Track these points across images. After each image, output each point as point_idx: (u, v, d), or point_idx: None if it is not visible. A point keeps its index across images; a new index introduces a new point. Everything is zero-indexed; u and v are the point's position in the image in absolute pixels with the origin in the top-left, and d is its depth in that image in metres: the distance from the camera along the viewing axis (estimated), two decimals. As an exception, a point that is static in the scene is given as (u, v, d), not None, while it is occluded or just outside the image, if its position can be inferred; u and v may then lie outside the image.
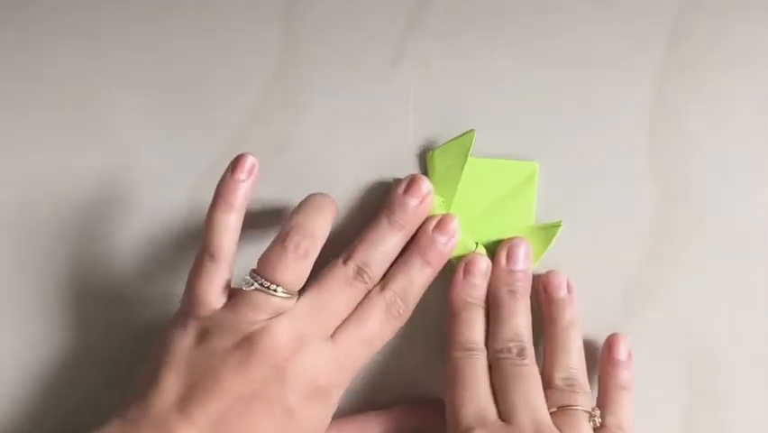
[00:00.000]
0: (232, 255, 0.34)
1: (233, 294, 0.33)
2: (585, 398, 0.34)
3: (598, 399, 0.36)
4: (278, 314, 0.33)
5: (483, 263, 0.37)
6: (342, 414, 0.36)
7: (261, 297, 0.32)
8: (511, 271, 0.37)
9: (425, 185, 0.36)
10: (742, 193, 0.39)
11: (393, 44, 0.40)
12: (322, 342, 0.33)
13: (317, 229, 0.34)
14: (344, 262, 0.35)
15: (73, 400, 0.38)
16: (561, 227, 0.38)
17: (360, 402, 0.38)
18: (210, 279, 0.33)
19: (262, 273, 0.33)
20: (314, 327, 0.33)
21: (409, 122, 0.40)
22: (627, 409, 0.35)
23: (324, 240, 0.34)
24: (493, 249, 0.38)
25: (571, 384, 0.34)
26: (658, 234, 0.39)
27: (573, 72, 0.40)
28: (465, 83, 0.40)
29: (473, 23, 0.40)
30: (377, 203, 0.38)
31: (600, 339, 0.38)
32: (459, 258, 0.37)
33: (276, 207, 0.39)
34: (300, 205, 0.35)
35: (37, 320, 0.39)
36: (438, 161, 0.38)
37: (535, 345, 0.36)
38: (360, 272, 0.34)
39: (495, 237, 0.38)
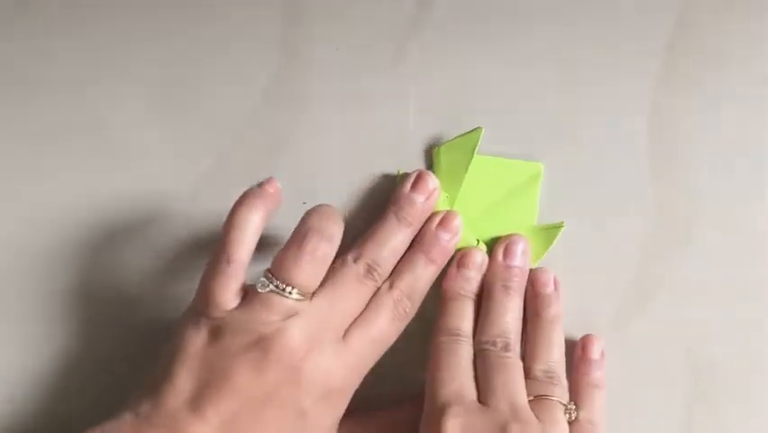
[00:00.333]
0: (249, 257, 0.34)
1: (247, 294, 0.33)
2: (563, 391, 0.35)
3: (570, 395, 0.36)
4: (291, 315, 0.32)
5: (479, 257, 0.37)
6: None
7: (276, 298, 0.32)
8: (507, 267, 0.37)
9: (432, 181, 0.36)
10: (742, 193, 0.39)
11: (393, 44, 0.40)
12: (335, 343, 0.33)
13: (334, 234, 0.34)
14: (355, 261, 0.35)
15: (76, 401, 0.38)
16: (563, 228, 0.38)
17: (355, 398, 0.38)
18: (226, 281, 0.33)
19: (278, 275, 0.33)
20: (327, 328, 0.33)
21: (409, 122, 0.40)
22: (600, 406, 0.35)
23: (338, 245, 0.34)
24: (493, 246, 0.38)
25: (550, 376, 0.35)
26: (658, 234, 0.39)
27: (573, 72, 0.40)
28: (465, 84, 0.40)
29: (473, 24, 0.40)
30: (377, 203, 0.38)
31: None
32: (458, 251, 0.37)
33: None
34: (312, 210, 0.34)
35: (39, 321, 0.39)
36: (444, 157, 0.38)
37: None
38: (370, 271, 0.34)
39: (496, 235, 0.38)
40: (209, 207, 0.39)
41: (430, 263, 0.36)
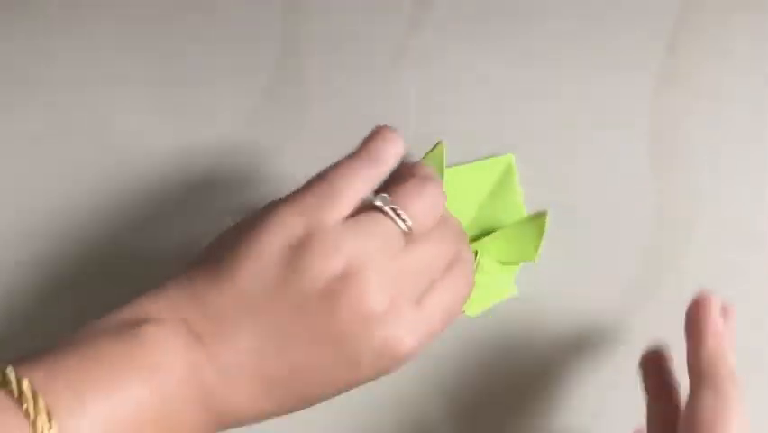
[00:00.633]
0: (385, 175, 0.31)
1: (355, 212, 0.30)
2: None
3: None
4: (391, 246, 0.29)
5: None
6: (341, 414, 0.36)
7: (386, 223, 0.30)
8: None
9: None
10: (742, 193, 0.39)
11: (393, 44, 0.40)
12: (412, 307, 0.30)
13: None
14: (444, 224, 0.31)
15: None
16: (546, 215, 0.37)
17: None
18: (362, 185, 0.30)
19: (396, 200, 0.30)
20: (409, 287, 0.30)
21: (410, 122, 0.40)
22: None
23: None
24: (493, 253, 0.38)
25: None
26: (658, 234, 0.39)
27: (573, 72, 0.40)
28: (466, 83, 0.40)
29: (473, 25, 0.40)
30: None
31: (599, 339, 0.38)
32: None
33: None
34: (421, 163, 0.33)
35: (39, 321, 0.39)
36: None
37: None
38: (458, 235, 0.32)
39: (491, 239, 0.38)
40: (209, 207, 0.39)
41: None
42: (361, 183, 0.30)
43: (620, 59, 0.40)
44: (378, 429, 0.38)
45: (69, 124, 0.40)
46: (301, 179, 0.39)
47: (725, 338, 0.32)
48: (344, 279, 0.28)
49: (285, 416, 0.30)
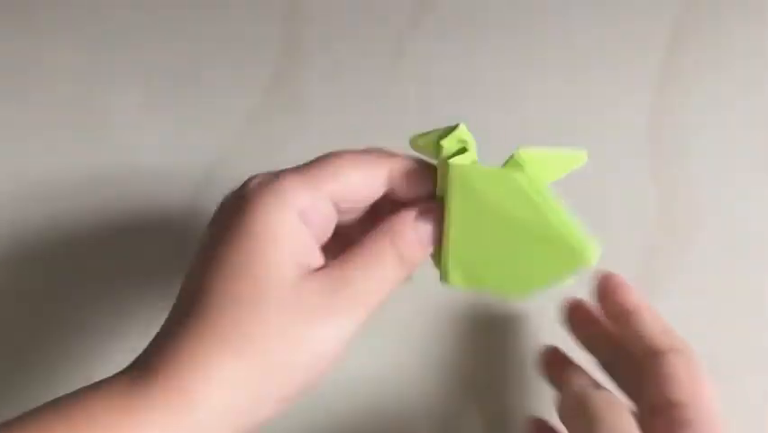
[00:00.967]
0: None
1: None
2: None
3: None
4: None
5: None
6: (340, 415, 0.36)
7: None
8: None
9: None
10: (742, 193, 0.39)
11: (393, 44, 0.40)
12: None
13: None
14: None
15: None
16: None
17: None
18: None
19: None
20: None
21: (409, 122, 0.40)
22: None
23: None
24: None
25: None
26: (658, 234, 0.39)
27: (574, 72, 0.40)
28: (465, 83, 0.40)
29: (473, 24, 0.40)
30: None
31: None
32: None
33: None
34: None
35: (38, 321, 0.39)
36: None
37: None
38: None
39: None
40: (209, 207, 0.39)
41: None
42: None
43: (620, 60, 0.40)
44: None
45: (69, 124, 0.40)
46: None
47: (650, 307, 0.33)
48: None
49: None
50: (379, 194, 0.29)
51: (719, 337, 0.38)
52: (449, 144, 0.30)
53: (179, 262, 0.39)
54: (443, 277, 0.30)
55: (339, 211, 0.29)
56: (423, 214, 0.29)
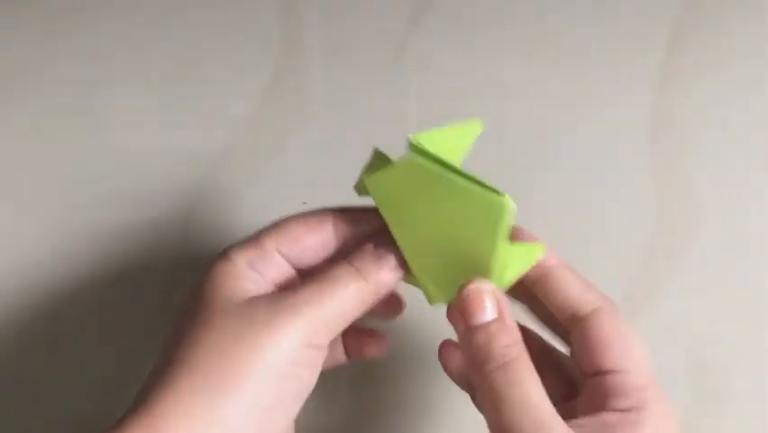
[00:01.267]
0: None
1: None
2: None
3: None
4: None
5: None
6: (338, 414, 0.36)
7: None
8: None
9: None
10: (742, 193, 0.39)
11: (393, 44, 0.40)
12: None
13: None
14: None
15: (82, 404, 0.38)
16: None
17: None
18: None
19: None
20: None
21: (409, 121, 0.40)
22: None
23: None
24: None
25: None
26: (658, 234, 0.39)
27: (574, 72, 0.40)
28: (466, 82, 0.40)
29: (474, 23, 0.40)
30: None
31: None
32: None
33: (275, 207, 0.39)
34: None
35: (37, 321, 0.39)
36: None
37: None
38: None
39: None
40: (209, 207, 0.39)
41: None
42: None
43: (620, 60, 0.40)
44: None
45: (69, 123, 0.40)
46: (301, 179, 0.39)
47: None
48: None
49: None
50: (329, 241, 0.31)
51: (719, 337, 0.38)
52: (366, 173, 0.31)
53: (179, 263, 0.39)
54: (428, 298, 0.31)
55: (296, 264, 0.30)
56: (379, 243, 0.30)
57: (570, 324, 0.30)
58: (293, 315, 0.28)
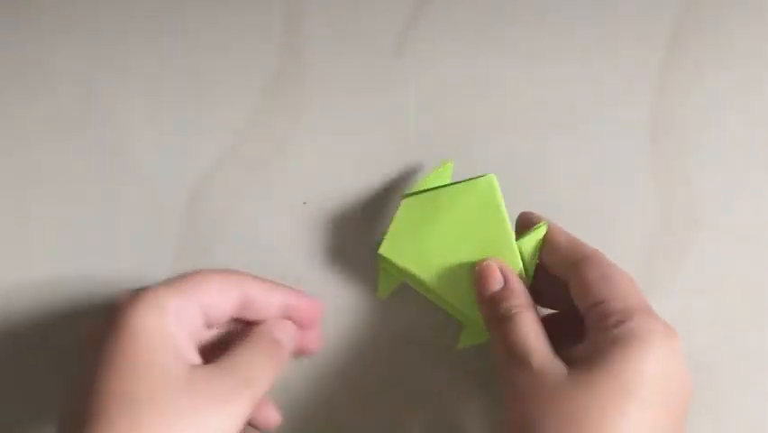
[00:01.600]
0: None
1: None
2: None
3: None
4: None
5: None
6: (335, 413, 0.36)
7: None
8: None
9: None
10: (742, 193, 0.39)
11: (393, 43, 0.40)
12: None
13: None
14: None
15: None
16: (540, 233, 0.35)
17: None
18: None
19: None
20: None
21: (410, 121, 0.40)
22: None
23: None
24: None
25: None
26: (658, 234, 0.39)
27: (574, 72, 0.40)
28: (465, 82, 0.40)
29: (474, 22, 0.40)
30: (377, 203, 0.38)
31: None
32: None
33: (275, 207, 0.39)
34: None
35: (37, 321, 0.39)
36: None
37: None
38: None
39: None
40: (209, 207, 0.39)
41: None
42: None
43: (620, 59, 0.40)
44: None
45: (69, 123, 0.40)
46: (301, 179, 0.39)
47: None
48: None
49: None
50: (235, 302, 0.32)
51: (719, 337, 0.38)
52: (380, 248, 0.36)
53: (179, 263, 0.39)
54: (471, 337, 0.37)
55: (208, 321, 0.32)
56: (275, 324, 0.34)
57: (566, 274, 0.33)
58: (240, 401, 0.29)
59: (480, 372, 0.38)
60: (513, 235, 0.35)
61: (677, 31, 0.40)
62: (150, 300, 0.30)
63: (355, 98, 0.40)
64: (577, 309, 0.32)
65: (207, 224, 0.39)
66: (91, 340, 0.30)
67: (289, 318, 0.34)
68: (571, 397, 0.29)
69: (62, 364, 0.37)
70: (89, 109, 0.40)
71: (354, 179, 0.39)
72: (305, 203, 0.39)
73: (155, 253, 0.39)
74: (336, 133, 0.40)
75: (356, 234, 0.38)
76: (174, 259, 0.39)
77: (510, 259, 0.35)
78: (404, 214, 0.36)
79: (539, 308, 0.35)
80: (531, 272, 0.35)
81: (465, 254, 0.35)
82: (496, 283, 0.34)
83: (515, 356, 0.31)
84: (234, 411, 0.29)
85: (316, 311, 0.36)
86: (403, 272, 0.36)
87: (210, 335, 0.33)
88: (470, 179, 0.35)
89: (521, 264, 0.35)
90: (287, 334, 0.34)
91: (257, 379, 0.30)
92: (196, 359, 0.31)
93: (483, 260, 0.34)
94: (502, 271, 0.34)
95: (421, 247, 0.35)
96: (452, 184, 0.36)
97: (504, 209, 0.35)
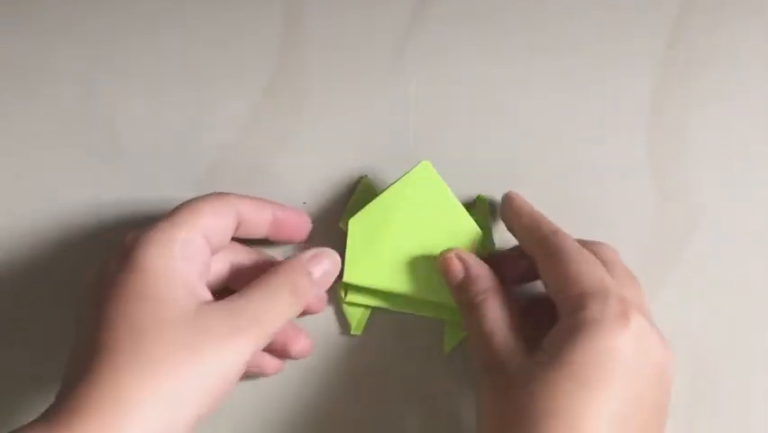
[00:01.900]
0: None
1: None
2: None
3: None
4: None
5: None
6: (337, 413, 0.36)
7: None
8: None
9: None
10: (742, 193, 0.39)
11: (393, 44, 0.40)
12: None
13: None
14: None
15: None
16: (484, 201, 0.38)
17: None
18: None
19: None
20: None
21: (409, 122, 0.40)
22: None
23: None
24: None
25: None
26: (658, 234, 0.39)
27: (573, 71, 0.40)
28: (465, 82, 0.40)
29: (474, 22, 0.40)
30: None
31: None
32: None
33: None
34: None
35: (37, 321, 0.39)
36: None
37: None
38: None
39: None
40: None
41: None
42: None
43: (620, 59, 0.40)
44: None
45: (69, 122, 0.40)
46: (300, 179, 0.39)
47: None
48: None
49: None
50: (233, 222, 0.33)
51: (719, 337, 0.38)
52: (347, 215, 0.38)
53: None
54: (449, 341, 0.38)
55: (213, 248, 0.32)
56: (315, 257, 0.34)
57: (533, 253, 0.34)
58: (247, 339, 0.30)
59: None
60: (465, 211, 0.36)
61: (677, 30, 0.40)
62: (158, 240, 0.30)
63: (355, 98, 0.40)
64: None
65: (207, 224, 0.39)
66: (101, 277, 0.31)
67: (279, 231, 0.35)
68: (524, 384, 0.30)
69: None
70: (87, 109, 0.40)
71: (354, 179, 0.39)
72: (305, 203, 0.39)
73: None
74: (336, 133, 0.40)
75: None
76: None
77: (472, 235, 0.36)
78: (354, 235, 0.36)
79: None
80: (492, 240, 0.38)
81: (427, 247, 0.36)
82: (458, 273, 0.35)
83: (479, 344, 0.33)
84: (238, 347, 0.29)
85: (304, 223, 0.36)
86: (372, 295, 0.37)
87: (232, 271, 0.34)
88: (405, 173, 0.36)
89: (481, 233, 0.36)
90: (321, 267, 0.34)
91: (267, 316, 0.31)
92: (207, 296, 0.31)
93: (444, 252, 0.35)
94: (461, 259, 0.35)
95: (383, 258, 0.36)
96: (389, 186, 0.36)
97: (448, 189, 0.36)
